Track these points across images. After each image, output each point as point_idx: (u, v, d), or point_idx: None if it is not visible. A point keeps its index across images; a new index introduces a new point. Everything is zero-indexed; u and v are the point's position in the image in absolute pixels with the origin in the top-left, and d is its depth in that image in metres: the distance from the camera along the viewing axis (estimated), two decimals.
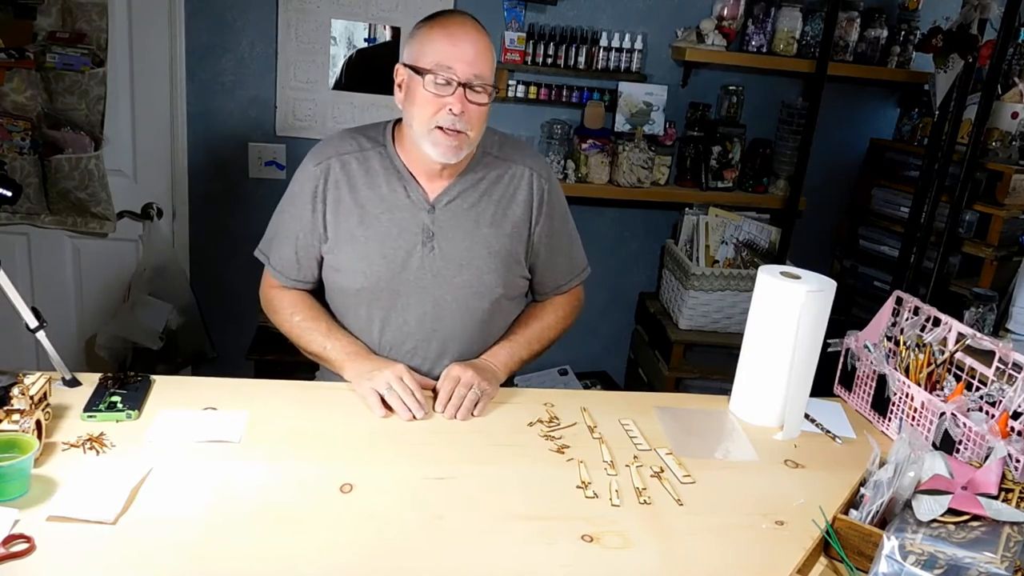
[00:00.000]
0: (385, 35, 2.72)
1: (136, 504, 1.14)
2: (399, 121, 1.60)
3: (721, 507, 1.27)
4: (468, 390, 1.48)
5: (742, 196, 2.99)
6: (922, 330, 1.60)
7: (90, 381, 1.45)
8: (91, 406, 1.35)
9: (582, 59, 2.79)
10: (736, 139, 2.92)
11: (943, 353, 1.54)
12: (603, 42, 2.79)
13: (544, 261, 1.68)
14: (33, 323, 1.41)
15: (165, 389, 1.47)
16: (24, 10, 2.38)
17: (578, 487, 1.28)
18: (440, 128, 1.45)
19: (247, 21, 2.65)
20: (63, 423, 1.33)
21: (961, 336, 1.53)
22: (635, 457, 1.38)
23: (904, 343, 1.58)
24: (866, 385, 1.63)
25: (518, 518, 1.19)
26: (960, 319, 1.68)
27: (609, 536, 1.16)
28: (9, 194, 1.46)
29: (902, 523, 1.09)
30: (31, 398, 1.23)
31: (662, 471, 1.34)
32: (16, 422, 1.19)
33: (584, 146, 2.83)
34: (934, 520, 1.09)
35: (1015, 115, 2.66)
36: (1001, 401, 1.42)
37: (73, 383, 1.44)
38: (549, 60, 2.77)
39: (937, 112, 2.70)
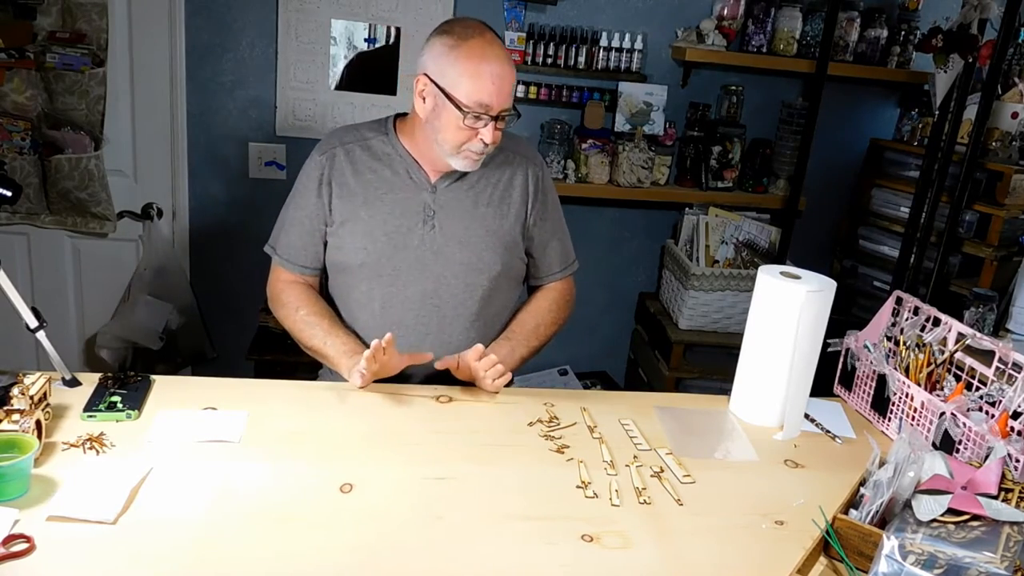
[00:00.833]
0: (385, 35, 2.72)
1: (136, 504, 1.14)
2: (398, 116, 1.67)
3: (721, 507, 1.27)
4: (501, 367, 1.54)
5: (742, 196, 2.99)
6: (922, 330, 1.60)
7: (90, 381, 1.45)
8: (91, 406, 1.35)
9: (582, 59, 2.79)
10: (736, 139, 2.92)
11: (943, 353, 1.54)
12: (603, 42, 2.79)
13: (539, 246, 1.74)
14: (33, 323, 1.41)
15: (165, 389, 1.47)
16: (24, 10, 2.38)
17: (578, 487, 1.28)
18: (470, 151, 1.54)
19: (247, 21, 2.65)
20: (63, 423, 1.33)
21: (961, 336, 1.53)
22: (635, 457, 1.38)
23: (904, 343, 1.58)
24: (866, 385, 1.63)
25: (518, 518, 1.19)
26: (960, 319, 1.68)
27: (609, 536, 1.16)
28: (9, 194, 1.46)
29: (902, 523, 1.09)
30: (31, 398, 1.23)
31: (662, 471, 1.34)
32: (16, 422, 1.19)
33: (584, 146, 2.83)
34: (934, 520, 1.09)
35: (1015, 115, 2.66)
36: (1001, 401, 1.42)
37: (73, 383, 1.44)
38: (549, 60, 2.77)
39: (937, 112, 2.70)
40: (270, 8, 2.64)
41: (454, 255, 1.62)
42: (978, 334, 1.50)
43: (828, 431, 1.54)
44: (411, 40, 2.68)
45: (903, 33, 2.92)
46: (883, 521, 1.16)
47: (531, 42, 2.75)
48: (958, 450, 1.39)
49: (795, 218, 2.92)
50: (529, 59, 2.76)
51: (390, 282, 1.62)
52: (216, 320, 2.86)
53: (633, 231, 3.13)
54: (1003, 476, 1.17)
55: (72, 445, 1.26)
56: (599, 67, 2.81)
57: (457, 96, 1.48)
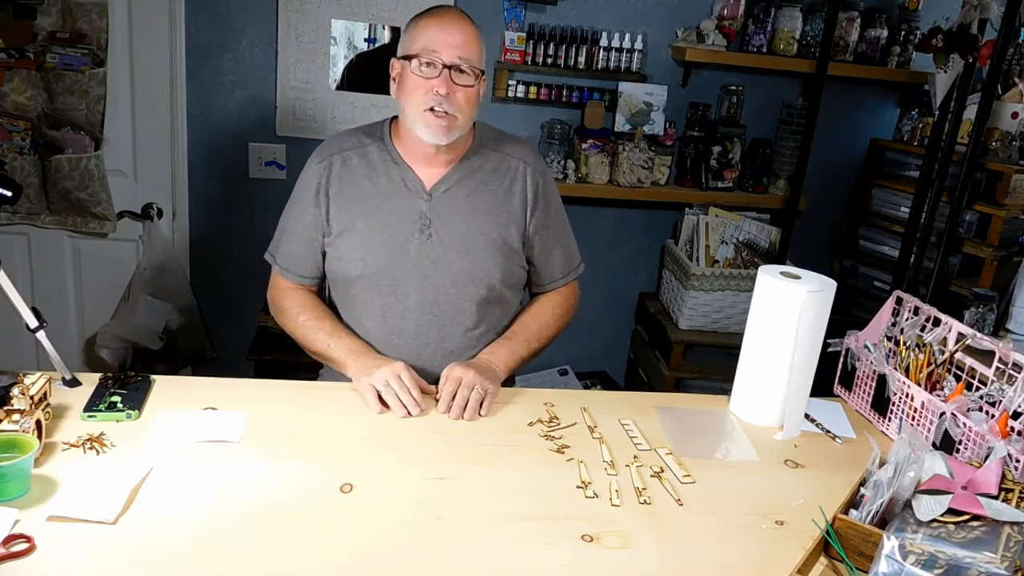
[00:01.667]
0: (385, 35, 2.72)
1: (136, 504, 1.14)
2: (396, 118, 1.65)
3: (721, 507, 1.27)
4: (471, 391, 1.48)
5: (742, 196, 2.99)
6: (922, 330, 1.60)
7: (90, 381, 1.45)
8: (91, 406, 1.35)
9: (582, 59, 2.79)
10: (736, 139, 2.92)
11: (943, 353, 1.54)
12: (603, 42, 2.79)
13: (540, 254, 1.71)
14: (33, 323, 1.41)
15: (165, 389, 1.47)
16: (24, 10, 2.38)
17: (578, 487, 1.28)
18: (430, 111, 1.50)
19: (247, 21, 2.65)
20: (63, 423, 1.33)
21: (961, 336, 1.53)
22: (635, 457, 1.38)
23: (904, 343, 1.58)
24: (866, 385, 1.63)
25: (518, 518, 1.19)
26: (960, 319, 1.68)
27: (609, 536, 1.16)
28: (9, 194, 1.46)
29: (902, 523, 1.09)
30: (31, 398, 1.23)
31: (662, 471, 1.34)
32: (16, 422, 1.19)
33: (584, 146, 2.83)
34: (934, 520, 1.09)
35: (1015, 115, 2.66)
36: (1001, 401, 1.42)
37: (73, 383, 1.44)
38: (549, 60, 2.77)
39: (937, 112, 2.70)
40: (270, 8, 2.64)
41: (452, 264, 1.60)
42: (978, 334, 1.50)
43: (828, 431, 1.54)
44: None
45: (903, 33, 2.92)
46: (883, 521, 1.16)
47: (531, 42, 2.75)
48: (958, 450, 1.39)
49: (795, 218, 2.92)
50: (529, 59, 2.76)
51: (389, 292, 1.61)
52: (216, 320, 2.86)
53: (633, 231, 3.13)
54: (1003, 476, 1.17)
55: (72, 445, 1.26)
56: (599, 67, 2.81)
57: (411, 51, 1.52)
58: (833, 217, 3.22)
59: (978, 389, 1.49)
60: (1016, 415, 1.36)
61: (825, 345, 1.57)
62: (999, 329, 2.40)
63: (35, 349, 2.47)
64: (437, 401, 1.50)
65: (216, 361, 2.86)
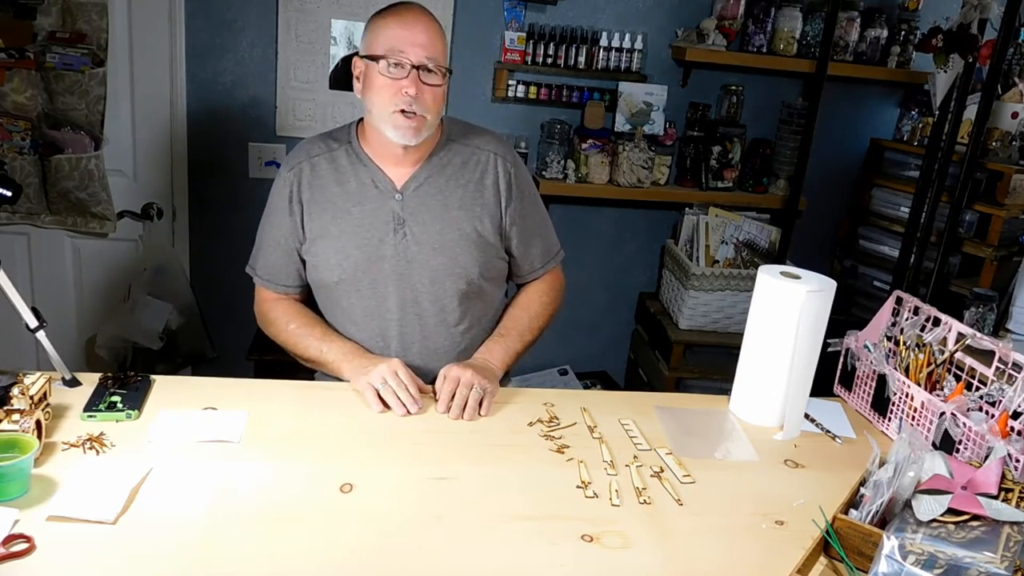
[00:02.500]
0: None
1: (136, 504, 1.14)
2: (363, 119, 1.64)
3: (721, 507, 1.27)
4: (470, 390, 1.48)
5: (742, 196, 2.99)
6: (922, 330, 1.60)
7: (90, 381, 1.45)
8: (91, 406, 1.35)
9: (582, 59, 2.79)
10: (736, 139, 2.92)
11: (943, 353, 1.54)
12: (603, 42, 2.79)
13: (520, 245, 1.70)
14: (33, 323, 1.41)
15: (165, 389, 1.47)
16: (24, 10, 2.38)
17: (578, 487, 1.28)
18: (400, 112, 1.49)
19: (247, 21, 2.65)
20: (63, 423, 1.33)
21: (961, 336, 1.53)
22: (635, 457, 1.38)
23: (904, 343, 1.58)
24: (866, 385, 1.63)
25: (518, 518, 1.19)
26: (960, 319, 1.68)
27: (609, 536, 1.16)
28: (9, 194, 1.46)
29: (902, 523, 1.09)
30: (31, 398, 1.23)
31: (662, 471, 1.34)
32: (16, 422, 1.19)
33: (584, 146, 2.83)
34: (934, 520, 1.09)
35: (1015, 115, 2.66)
36: (1001, 401, 1.42)
37: (73, 383, 1.44)
38: (549, 60, 2.77)
39: (937, 112, 2.70)
40: (270, 8, 2.64)
41: (429, 261, 1.59)
42: (978, 334, 1.50)
43: (828, 431, 1.54)
44: None
45: (903, 33, 2.92)
46: (883, 521, 1.16)
47: (531, 42, 2.75)
48: (958, 450, 1.39)
49: (795, 218, 2.92)
50: (529, 59, 2.76)
51: (369, 295, 1.61)
52: (216, 320, 2.86)
53: (633, 231, 3.13)
54: (1003, 476, 1.17)
55: (72, 445, 1.26)
56: (599, 67, 2.81)
57: (377, 51, 1.49)
58: (833, 217, 3.22)
59: (978, 389, 1.49)
60: (1016, 415, 1.36)
61: (825, 345, 1.57)
62: (999, 329, 2.40)
63: (35, 349, 2.47)
64: (436, 401, 1.50)
65: (216, 361, 2.86)
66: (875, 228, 3.05)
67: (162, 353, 2.67)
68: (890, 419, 1.56)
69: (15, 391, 1.23)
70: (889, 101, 3.14)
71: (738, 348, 1.60)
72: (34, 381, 1.27)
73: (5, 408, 1.22)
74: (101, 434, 1.29)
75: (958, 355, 1.53)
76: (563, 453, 1.38)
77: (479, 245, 1.62)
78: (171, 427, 1.34)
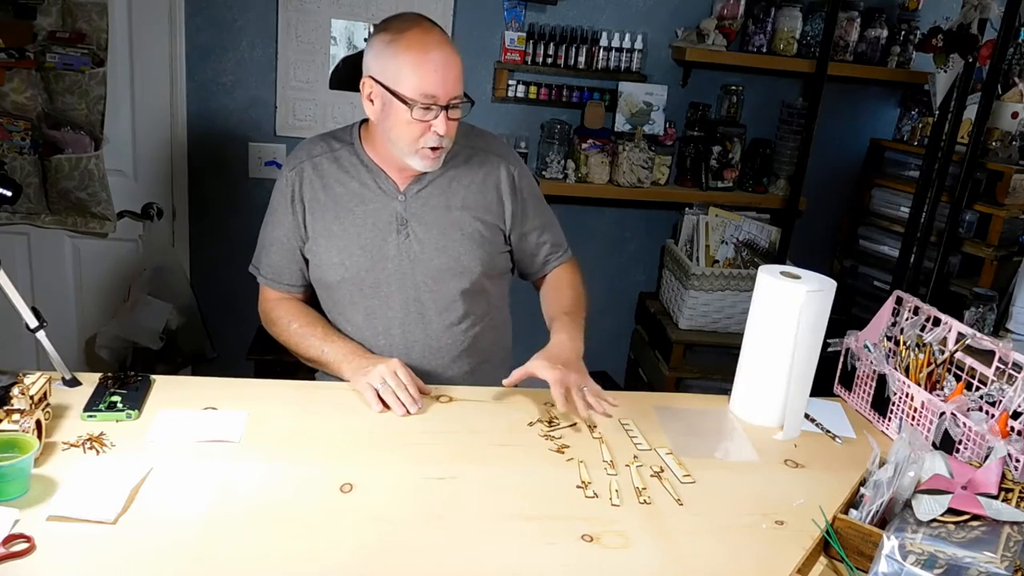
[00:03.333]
0: None
1: (136, 504, 1.14)
2: (364, 121, 1.63)
3: (721, 507, 1.27)
4: (581, 390, 1.47)
5: (742, 196, 2.99)
6: (922, 330, 1.60)
7: (90, 381, 1.45)
8: (91, 406, 1.35)
9: (582, 59, 2.79)
10: (736, 139, 2.92)
11: (943, 353, 1.54)
12: (603, 42, 2.79)
13: (529, 246, 1.71)
14: (33, 323, 1.41)
15: (165, 389, 1.47)
16: (24, 10, 2.38)
17: (578, 487, 1.28)
18: (427, 147, 1.49)
19: (247, 21, 2.64)
20: (63, 423, 1.33)
21: (961, 336, 1.53)
22: (635, 457, 1.38)
23: (904, 343, 1.58)
24: (866, 385, 1.63)
25: (518, 518, 1.19)
26: (960, 319, 1.68)
27: (609, 536, 1.16)
28: (9, 194, 1.46)
29: (902, 523, 1.09)
30: (31, 398, 1.23)
31: (662, 471, 1.34)
32: (16, 422, 1.19)
33: (584, 146, 2.83)
34: (934, 520, 1.09)
35: (1015, 115, 2.66)
36: (1001, 401, 1.42)
37: (73, 383, 1.44)
38: (549, 60, 2.77)
39: (937, 112, 2.70)
40: (270, 8, 2.64)
41: (432, 261, 1.60)
42: (978, 334, 1.50)
43: (828, 431, 1.54)
44: None
45: (903, 33, 2.92)
46: (883, 521, 1.16)
47: (531, 42, 2.74)
48: (958, 450, 1.39)
49: (795, 218, 2.92)
50: (529, 59, 2.76)
51: (371, 295, 1.61)
52: (216, 320, 2.86)
53: (633, 231, 3.13)
54: (1003, 476, 1.17)
55: (72, 445, 1.26)
56: (599, 67, 2.81)
57: (401, 91, 1.45)
58: (833, 217, 3.22)
59: (978, 389, 1.49)
60: (1016, 415, 1.36)
61: (825, 345, 1.57)
62: (999, 329, 2.40)
63: (35, 349, 2.47)
64: (438, 399, 1.50)
65: (216, 361, 2.86)
66: (875, 228, 3.05)
67: (162, 353, 2.67)
68: (890, 419, 1.56)
69: (15, 391, 1.23)
70: (889, 101, 3.14)
71: (738, 348, 1.60)
72: (34, 381, 1.27)
73: (5, 408, 1.22)
74: (101, 434, 1.29)
75: (958, 355, 1.53)
76: (563, 453, 1.38)
77: (481, 243, 1.63)
78: (171, 427, 1.34)
